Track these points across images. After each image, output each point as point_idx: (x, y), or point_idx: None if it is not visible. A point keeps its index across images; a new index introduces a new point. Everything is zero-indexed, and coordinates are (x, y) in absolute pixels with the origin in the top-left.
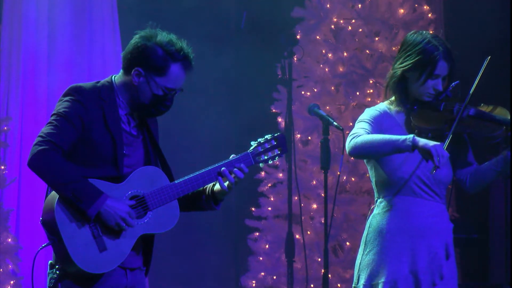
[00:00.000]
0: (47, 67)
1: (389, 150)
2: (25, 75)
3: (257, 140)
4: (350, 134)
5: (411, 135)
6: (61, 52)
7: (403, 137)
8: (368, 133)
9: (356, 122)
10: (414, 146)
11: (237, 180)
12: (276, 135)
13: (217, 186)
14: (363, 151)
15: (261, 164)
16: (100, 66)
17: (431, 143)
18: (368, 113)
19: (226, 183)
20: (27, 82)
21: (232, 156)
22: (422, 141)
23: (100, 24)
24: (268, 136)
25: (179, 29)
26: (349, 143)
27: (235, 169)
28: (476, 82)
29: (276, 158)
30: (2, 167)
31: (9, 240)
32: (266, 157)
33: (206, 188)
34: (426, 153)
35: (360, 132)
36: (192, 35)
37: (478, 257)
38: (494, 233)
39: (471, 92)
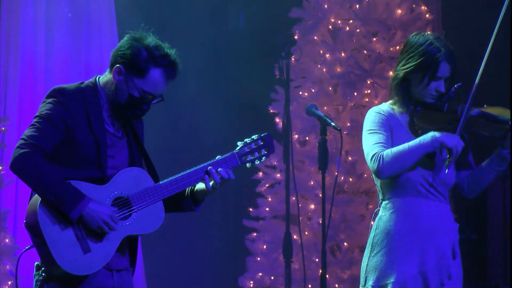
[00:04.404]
0: (44, 67)
1: (418, 157)
2: (22, 76)
3: (243, 140)
4: (369, 155)
5: (432, 134)
6: (58, 53)
7: (425, 139)
8: (386, 147)
9: (365, 133)
10: (442, 145)
11: (221, 181)
12: (263, 135)
13: (199, 186)
14: (395, 169)
15: (247, 165)
16: (97, 67)
17: (451, 139)
18: (374, 120)
19: (211, 183)
20: (24, 83)
21: (218, 157)
22: (445, 139)
23: (98, 24)
24: (255, 136)
25: (176, 29)
26: (375, 166)
27: (219, 169)
28: (479, 72)
29: (263, 158)
30: (0, 168)
31: (7, 240)
32: (252, 157)
33: (186, 188)
34: (447, 150)
35: (380, 151)
36: (189, 35)
37: (476, 258)
38: (491, 233)
39: (473, 90)
